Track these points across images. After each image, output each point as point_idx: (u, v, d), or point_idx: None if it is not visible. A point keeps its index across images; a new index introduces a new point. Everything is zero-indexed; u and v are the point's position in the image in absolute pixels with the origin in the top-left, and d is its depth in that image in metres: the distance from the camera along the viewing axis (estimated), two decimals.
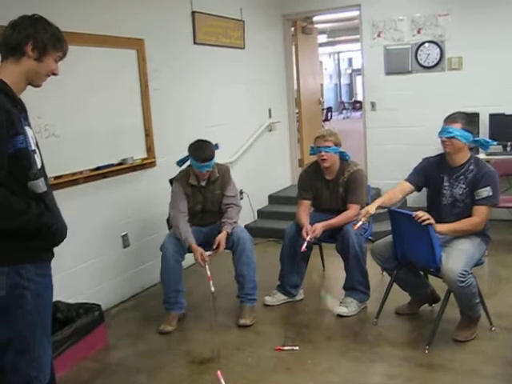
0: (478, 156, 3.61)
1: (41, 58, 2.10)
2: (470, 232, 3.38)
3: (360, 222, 3.47)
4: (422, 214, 3.23)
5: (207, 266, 3.80)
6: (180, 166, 4.16)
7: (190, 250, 3.91)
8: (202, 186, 4.06)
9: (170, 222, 4.13)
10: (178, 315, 3.95)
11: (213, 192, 4.09)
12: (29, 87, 2.15)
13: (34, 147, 2.10)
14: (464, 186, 3.44)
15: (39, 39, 2.08)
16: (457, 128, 3.40)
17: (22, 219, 1.99)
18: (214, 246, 3.88)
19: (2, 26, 2.14)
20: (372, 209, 3.47)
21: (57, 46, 2.15)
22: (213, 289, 3.72)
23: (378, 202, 3.55)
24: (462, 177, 3.46)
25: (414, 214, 3.26)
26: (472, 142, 3.47)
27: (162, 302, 3.96)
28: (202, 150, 3.92)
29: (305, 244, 3.85)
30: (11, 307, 2.09)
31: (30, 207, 2.01)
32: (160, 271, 3.93)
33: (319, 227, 3.90)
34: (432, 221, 3.22)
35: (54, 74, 2.20)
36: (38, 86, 2.19)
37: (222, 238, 3.90)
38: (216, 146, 4.03)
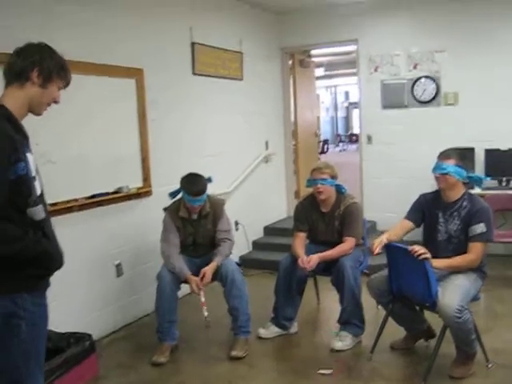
0: (471, 191, 3.61)
1: (45, 85, 2.11)
2: (466, 268, 3.37)
3: (378, 249, 3.43)
4: (419, 248, 3.21)
5: (202, 293, 3.78)
6: (172, 198, 4.15)
7: (185, 281, 3.88)
8: (194, 219, 4.04)
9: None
10: (171, 346, 3.89)
11: (204, 226, 4.07)
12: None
13: (34, 174, 2.09)
14: (458, 223, 3.44)
15: (45, 66, 2.09)
16: (450, 164, 3.42)
17: (18, 246, 1.97)
18: (200, 277, 3.84)
19: (7, 54, 2.15)
20: (385, 239, 3.43)
21: (61, 75, 2.16)
22: (206, 313, 3.75)
23: (387, 235, 3.53)
24: (456, 213, 3.47)
25: (410, 248, 3.25)
26: (466, 178, 3.49)
27: (156, 331, 3.90)
28: (193, 184, 3.92)
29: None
30: (6, 336, 2.06)
31: (27, 234, 2.00)
32: (155, 300, 3.88)
33: (314, 258, 3.88)
34: (428, 255, 3.20)
35: (56, 103, 2.21)
36: (38, 114, 2.19)
37: (208, 268, 3.88)
38: (209, 180, 4.03)
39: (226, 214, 4.15)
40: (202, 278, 3.83)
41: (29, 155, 2.07)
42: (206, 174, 4.04)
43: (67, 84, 2.22)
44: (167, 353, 3.83)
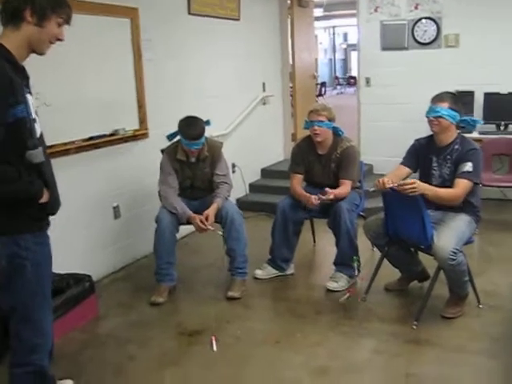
0: (469, 135, 3.59)
1: (41, 24, 2.06)
2: (449, 203, 3.38)
3: (373, 189, 3.41)
4: (405, 184, 3.19)
5: (208, 224, 3.83)
6: (170, 140, 4.11)
7: (187, 222, 3.91)
8: (192, 162, 4.03)
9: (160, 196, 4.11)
10: (169, 287, 3.96)
11: (202, 170, 4.07)
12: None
13: (34, 116, 2.07)
14: (450, 165, 3.46)
15: (37, 4, 2.04)
16: (444, 107, 3.40)
17: (11, 187, 1.98)
18: (204, 217, 3.87)
19: None
20: (388, 181, 3.34)
21: (57, 10, 2.10)
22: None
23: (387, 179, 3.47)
24: (448, 156, 3.47)
25: (397, 184, 3.22)
26: (459, 121, 3.47)
27: (154, 273, 3.96)
28: (191, 128, 3.88)
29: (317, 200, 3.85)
30: (12, 277, 2.11)
31: (20, 176, 1.99)
32: (154, 242, 3.92)
33: (331, 191, 3.84)
34: (417, 190, 3.18)
35: (59, 40, 2.16)
36: (41, 53, 2.14)
37: (210, 210, 3.89)
38: (207, 123, 3.99)
39: (223, 157, 4.14)
40: (205, 218, 3.86)
41: (28, 96, 2.05)
42: (203, 116, 4.01)
43: (68, 19, 2.16)
44: (165, 293, 3.90)
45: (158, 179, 4.07)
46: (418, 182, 3.24)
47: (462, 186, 3.34)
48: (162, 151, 4.12)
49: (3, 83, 1.90)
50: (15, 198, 2.02)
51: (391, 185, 3.28)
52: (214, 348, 3.22)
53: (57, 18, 2.11)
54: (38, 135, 2.09)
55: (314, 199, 3.85)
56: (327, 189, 3.84)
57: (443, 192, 3.36)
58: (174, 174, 4.00)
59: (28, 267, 2.11)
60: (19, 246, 2.07)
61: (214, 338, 3.29)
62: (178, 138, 4.03)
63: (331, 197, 3.82)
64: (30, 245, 2.10)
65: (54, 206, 2.20)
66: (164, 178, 4.01)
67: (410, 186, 3.18)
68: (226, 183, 4.08)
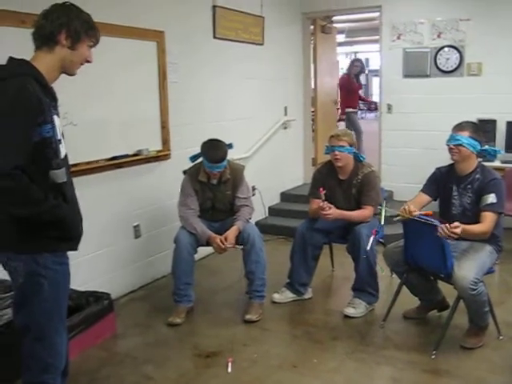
0: (484, 164, 3.58)
1: (74, 46, 2.12)
2: (478, 237, 3.36)
3: (398, 218, 3.39)
4: (449, 231, 3.11)
5: (228, 244, 3.86)
6: (193, 161, 4.16)
7: (206, 244, 3.94)
8: (213, 184, 4.06)
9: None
10: (187, 308, 3.97)
11: (223, 192, 4.09)
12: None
13: (59, 137, 2.11)
14: (471, 195, 3.44)
15: (72, 28, 2.09)
16: (464, 136, 3.40)
17: (38, 209, 1.99)
18: (223, 237, 3.89)
19: (35, 15, 2.15)
20: (415, 210, 3.33)
21: (89, 34, 2.16)
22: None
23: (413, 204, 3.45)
24: (469, 186, 3.46)
25: (440, 228, 3.15)
26: (480, 150, 3.47)
27: (172, 293, 3.98)
28: (214, 151, 3.92)
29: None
30: (29, 294, 2.12)
31: (47, 198, 2.02)
32: (172, 263, 3.95)
33: (335, 210, 3.89)
34: (458, 232, 3.12)
35: (88, 62, 2.22)
36: (72, 74, 2.20)
37: (231, 231, 3.92)
38: (230, 146, 4.02)
39: (245, 180, 4.16)
40: (225, 239, 3.89)
41: (56, 118, 2.09)
42: (224, 138, 4.05)
43: (97, 42, 2.22)
44: (183, 314, 3.91)
45: (178, 200, 4.11)
46: (461, 225, 3.15)
47: (489, 219, 3.32)
48: (184, 172, 4.16)
49: (33, 103, 1.95)
50: (38, 220, 2.04)
51: (417, 213, 3.28)
52: (229, 370, 3.22)
53: (88, 41, 2.17)
54: (62, 156, 2.13)
55: (327, 206, 3.87)
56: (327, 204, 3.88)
57: (474, 228, 3.30)
58: (194, 195, 4.03)
59: (45, 286, 2.12)
60: (38, 264, 2.09)
61: (230, 361, 3.29)
62: (200, 159, 4.08)
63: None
64: (50, 264, 2.12)
65: (75, 229, 2.21)
66: (184, 200, 4.04)
67: (454, 230, 3.09)
68: (248, 206, 4.10)
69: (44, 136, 2.00)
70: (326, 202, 3.89)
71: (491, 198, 3.32)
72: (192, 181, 4.05)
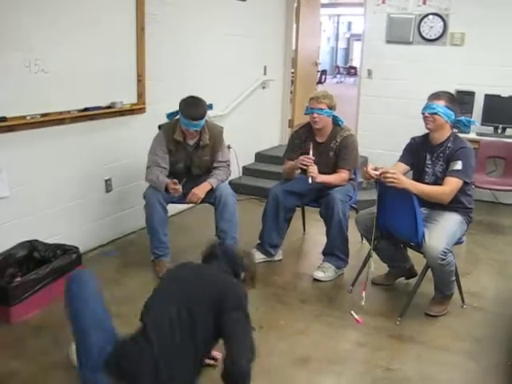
0: (459, 134, 3.59)
1: None
2: (437, 200, 3.37)
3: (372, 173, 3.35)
4: (388, 173, 3.20)
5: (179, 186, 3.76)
6: (170, 119, 4.05)
7: (165, 190, 3.82)
8: (189, 144, 3.96)
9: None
10: (169, 262, 3.88)
11: (201, 158, 4.01)
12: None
13: None
14: (442, 163, 3.46)
15: None
16: (440, 105, 3.40)
17: None
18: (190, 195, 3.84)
19: None
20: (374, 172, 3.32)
21: None
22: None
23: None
24: (441, 154, 3.48)
25: (380, 171, 3.23)
26: (454, 120, 3.47)
27: (151, 251, 3.94)
28: (192, 108, 3.79)
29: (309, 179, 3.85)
30: None
31: None
32: (146, 220, 3.88)
33: (318, 174, 3.87)
34: (396, 181, 3.19)
35: None
36: None
37: (201, 185, 3.85)
38: (210, 107, 3.92)
39: (225, 144, 4.09)
40: (194, 195, 3.83)
41: None
42: (203, 95, 3.95)
43: None
44: (165, 269, 3.83)
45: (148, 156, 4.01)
46: (401, 175, 3.25)
47: (449, 183, 3.34)
48: (160, 127, 4.06)
49: None
50: None
51: (375, 172, 3.28)
52: None
53: None
54: None
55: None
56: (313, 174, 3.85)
57: (429, 189, 3.36)
58: (166, 153, 3.91)
59: None
60: None
61: None
62: (177, 117, 3.97)
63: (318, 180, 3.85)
64: None
65: None
66: (154, 157, 3.91)
67: (390, 175, 3.18)
68: (225, 168, 4.05)
69: None
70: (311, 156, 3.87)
71: (457, 165, 3.34)
72: (166, 138, 3.93)
